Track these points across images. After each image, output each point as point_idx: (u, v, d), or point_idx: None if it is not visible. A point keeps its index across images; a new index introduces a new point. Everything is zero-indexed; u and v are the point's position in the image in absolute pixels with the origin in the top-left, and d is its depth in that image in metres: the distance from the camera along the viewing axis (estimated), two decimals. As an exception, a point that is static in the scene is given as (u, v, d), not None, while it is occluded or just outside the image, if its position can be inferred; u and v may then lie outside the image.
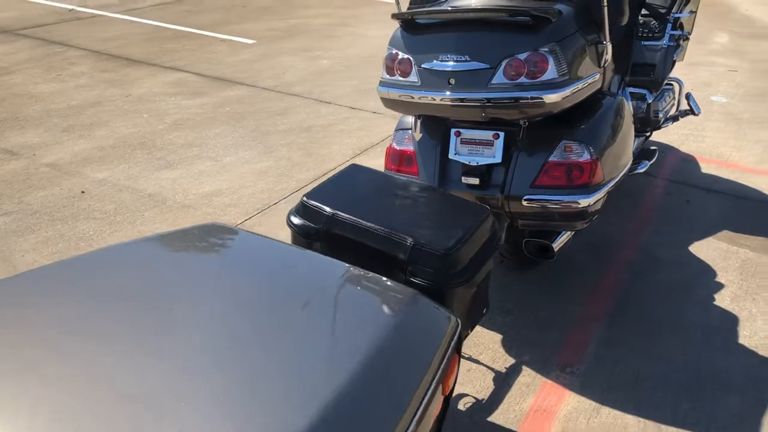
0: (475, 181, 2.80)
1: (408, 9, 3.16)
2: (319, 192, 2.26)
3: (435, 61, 2.67)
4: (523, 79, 2.55)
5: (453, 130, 2.87)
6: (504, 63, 2.56)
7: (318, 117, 5.33)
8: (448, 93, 2.63)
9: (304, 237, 2.19)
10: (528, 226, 2.88)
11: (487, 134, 2.80)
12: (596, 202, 2.74)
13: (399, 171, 3.03)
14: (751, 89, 6.34)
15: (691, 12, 3.88)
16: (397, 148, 3.05)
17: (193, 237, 1.83)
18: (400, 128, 3.08)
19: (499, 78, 2.57)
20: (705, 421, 2.51)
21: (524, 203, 2.73)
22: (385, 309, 1.58)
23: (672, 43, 3.82)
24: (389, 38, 2.88)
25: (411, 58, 2.74)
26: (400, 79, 2.78)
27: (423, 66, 2.70)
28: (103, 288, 1.47)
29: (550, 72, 2.53)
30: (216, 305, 1.43)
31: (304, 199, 2.22)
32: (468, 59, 2.61)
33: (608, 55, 2.86)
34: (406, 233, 2.05)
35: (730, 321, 3.07)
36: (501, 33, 2.62)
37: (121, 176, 4.23)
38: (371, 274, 1.68)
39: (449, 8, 2.80)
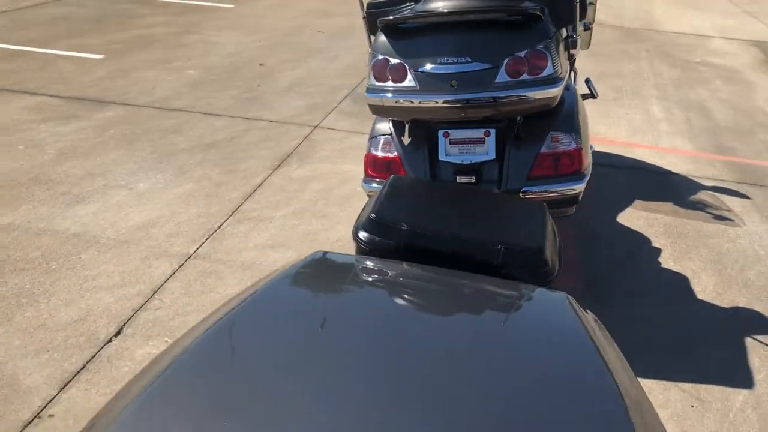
0: (471, 179, 2.87)
1: (368, 11, 3.14)
2: (384, 207, 2.20)
3: (434, 65, 2.70)
4: (525, 76, 2.66)
5: (440, 132, 2.92)
6: (505, 62, 2.65)
7: (216, 131, 5.08)
8: (451, 95, 2.67)
9: (384, 257, 2.12)
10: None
11: (477, 132, 2.88)
12: (585, 186, 2.93)
13: (385, 178, 3.01)
14: (587, 72, 7.06)
15: (590, 3, 4.24)
16: (379, 155, 3.03)
17: (323, 271, 1.72)
18: (377, 135, 3.06)
19: (502, 77, 2.66)
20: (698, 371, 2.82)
21: (521, 196, 2.85)
22: (542, 314, 1.60)
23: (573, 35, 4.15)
24: (374, 46, 2.84)
25: (405, 63, 2.74)
26: (394, 84, 2.76)
27: (420, 70, 2.71)
28: (288, 335, 1.34)
29: (549, 67, 2.67)
30: (408, 344, 1.36)
31: (374, 216, 2.15)
32: (469, 60, 2.67)
33: (574, 50, 3.06)
34: (493, 237, 2.07)
35: (682, 280, 3.44)
36: (498, 33, 2.70)
37: (29, 218, 3.74)
38: (499, 279, 1.70)
39: (440, 11, 2.82)
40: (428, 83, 2.71)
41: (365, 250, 2.17)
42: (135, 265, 3.35)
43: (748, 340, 3.00)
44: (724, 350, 2.94)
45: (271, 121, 5.32)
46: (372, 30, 3.21)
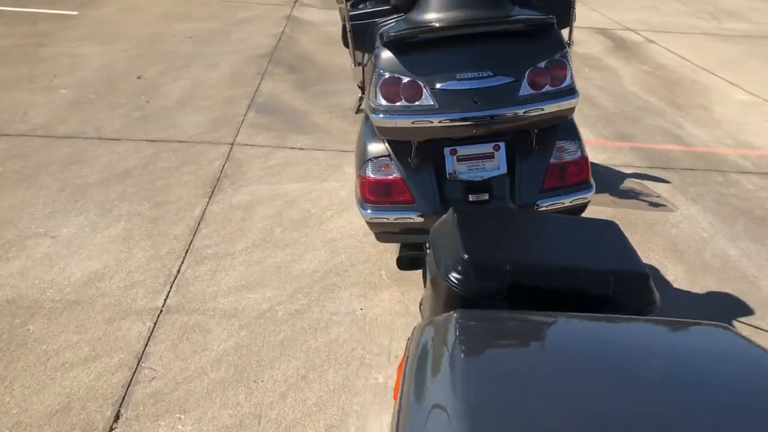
0: (485, 196, 2.78)
1: (352, 23, 2.91)
2: (473, 247, 2.03)
3: (453, 81, 2.55)
4: (548, 88, 2.60)
5: (447, 149, 2.79)
6: (527, 74, 2.57)
7: (122, 158, 4.53)
8: (475, 112, 2.54)
9: (487, 299, 1.95)
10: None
11: (486, 147, 2.78)
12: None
13: (390, 202, 2.83)
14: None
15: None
16: (378, 178, 2.84)
17: (489, 333, 1.54)
18: (373, 156, 2.86)
19: (525, 90, 2.58)
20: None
21: (536, 209, 2.80)
22: (727, 349, 1.55)
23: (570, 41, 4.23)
24: (379, 62, 2.63)
25: (419, 81, 2.56)
26: (408, 104, 2.58)
27: (438, 87, 2.55)
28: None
29: (568, 77, 2.62)
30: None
31: (468, 257, 1.97)
32: (491, 75, 2.55)
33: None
34: (597, 265, 1.98)
35: (653, 271, 3.58)
36: (514, 44, 2.61)
37: (-61, 288, 3.10)
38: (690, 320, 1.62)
39: (452, 23, 2.65)
40: (448, 101, 2.56)
41: (459, 294, 2.00)
42: (101, 329, 2.89)
43: (736, 324, 3.18)
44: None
45: (180, 141, 4.85)
46: (357, 44, 2.98)
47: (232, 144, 4.87)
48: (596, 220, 2.31)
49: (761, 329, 3.13)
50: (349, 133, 5.22)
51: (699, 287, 3.44)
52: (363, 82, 4.14)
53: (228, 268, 3.38)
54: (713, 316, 3.14)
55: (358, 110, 4.56)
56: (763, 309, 3.28)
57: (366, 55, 3.15)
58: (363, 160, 2.91)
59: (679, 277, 3.52)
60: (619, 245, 2.12)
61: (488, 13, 2.71)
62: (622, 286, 1.96)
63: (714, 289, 3.43)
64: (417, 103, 2.58)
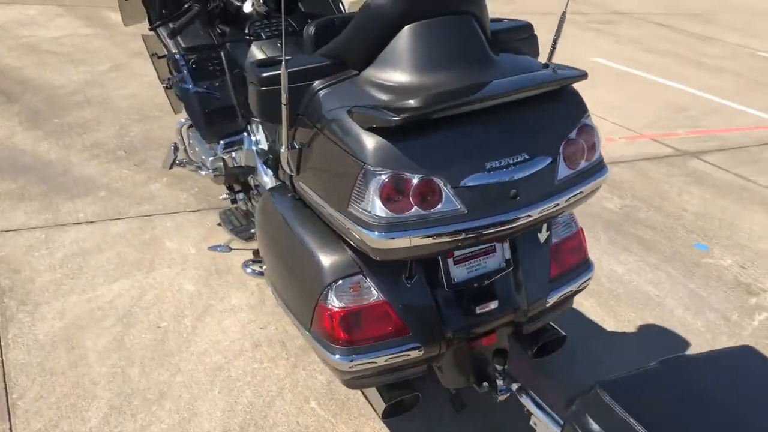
0: (494, 304, 2.13)
1: (263, 79, 1.97)
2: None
3: (481, 173, 1.81)
4: (583, 164, 2.01)
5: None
6: (561, 149, 1.94)
7: None
8: (516, 211, 1.85)
9: None
10: (531, 328, 2.36)
11: None
12: None
13: (374, 338, 2.03)
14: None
15: None
16: (350, 306, 2.02)
17: None
18: (339, 276, 2.02)
19: (563, 170, 1.96)
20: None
21: (548, 303, 2.25)
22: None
23: None
24: (367, 155, 1.75)
25: (436, 178, 1.77)
26: (424, 212, 1.77)
27: (464, 184, 1.79)
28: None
29: (598, 145, 2.06)
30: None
31: None
32: (528, 157, 1.87)
33: None
34: None
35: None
36: (536, 110, 1.94)
37: None
38: None
39: (472, 92, 1.84)
40: (479, 201, 1.81)
41: None
42: None
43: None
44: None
45: None
46: (268, 114, 2.04)
47: (-17, 235, 3.38)
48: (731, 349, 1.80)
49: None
50: (138, 184, 4.03)
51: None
52: (169, 81, 3.12)
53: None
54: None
55: (173, 165, 3.47)
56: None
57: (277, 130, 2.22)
58: (319, 284, 2.02)
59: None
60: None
61: (484, 68, 1.99)
62: None
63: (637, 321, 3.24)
64: (437, 209, 1.78)
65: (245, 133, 3.13)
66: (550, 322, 2.46)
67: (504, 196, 1.84)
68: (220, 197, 3.42)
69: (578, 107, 2.02)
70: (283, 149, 2.03)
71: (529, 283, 2.21)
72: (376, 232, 1.77)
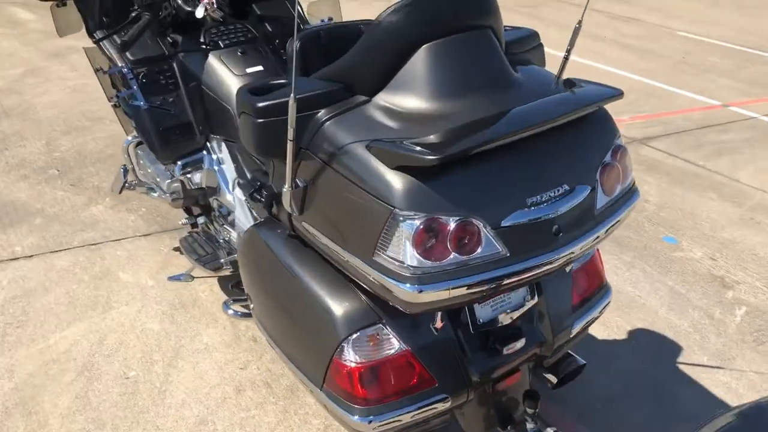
0: (521, 342, 1.96)
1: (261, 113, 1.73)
2: None
3: (522, 210, 1.62)
4: (618, 189, 1.85)
5: None
6: (598, 176, 1.78)
7: None
8: (559, 250, 1.68)
9: None
10: (552, 361, 2.22)
11: None
12: None
13: (399, 393, 1.83)
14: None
15: None
16: (370, 361, 1.81)
17: None
18: (357, 328, 1.81)
19: (602, 199, 1.81)
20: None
21: (572, 333, 2.11)
22: None
23: None
24: (395, 197, 1.53)
25: (475, 220, 1.57)
26: (465, 258, 1.57)
27: (505, 224, 1.60)
28: None
29: (631, 167, 1.91)
30: None
31: None
32: (568, 189, 1.70)
33: None
34: None
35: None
36: (569, 134, 1.76)
37: None
38: None
39: (518, 124, 1.62)
40: (522, 241, 1.62)
41: None
42: None
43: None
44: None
45: None
46: (266, 149, 1.80)
47: None
48: None
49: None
50: (78, 208, 3.65)
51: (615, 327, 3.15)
52: (117, 99, 2.80)
53: None
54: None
55: (124, 188, 3.14)
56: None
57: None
58: (333, 338, 1.80)
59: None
60: None
61: (507, 88, 1.79)
62: None
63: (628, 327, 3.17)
64: (476, 254, 1.58)
65: (204, 152, 2.85)
66: (569, 350, 2.33)
67: (546, 233, 1.66)
68: (180, 222, 3.11)
69: (609, 127, 1.87)
70: (286, 188, 1.78)
71: (553, 313, 2.06)
72: (409, 284, 1.56)
